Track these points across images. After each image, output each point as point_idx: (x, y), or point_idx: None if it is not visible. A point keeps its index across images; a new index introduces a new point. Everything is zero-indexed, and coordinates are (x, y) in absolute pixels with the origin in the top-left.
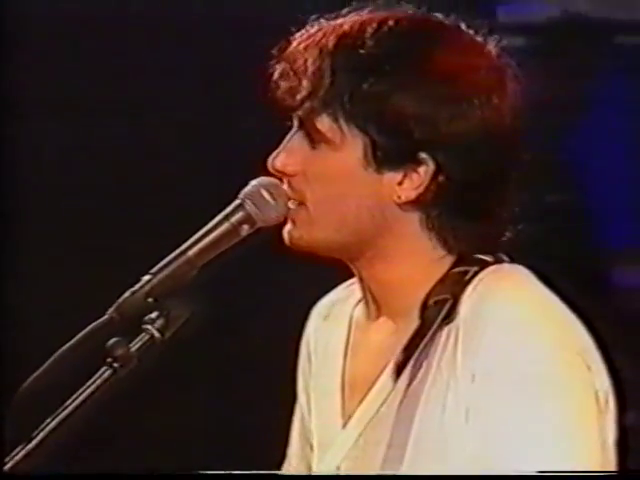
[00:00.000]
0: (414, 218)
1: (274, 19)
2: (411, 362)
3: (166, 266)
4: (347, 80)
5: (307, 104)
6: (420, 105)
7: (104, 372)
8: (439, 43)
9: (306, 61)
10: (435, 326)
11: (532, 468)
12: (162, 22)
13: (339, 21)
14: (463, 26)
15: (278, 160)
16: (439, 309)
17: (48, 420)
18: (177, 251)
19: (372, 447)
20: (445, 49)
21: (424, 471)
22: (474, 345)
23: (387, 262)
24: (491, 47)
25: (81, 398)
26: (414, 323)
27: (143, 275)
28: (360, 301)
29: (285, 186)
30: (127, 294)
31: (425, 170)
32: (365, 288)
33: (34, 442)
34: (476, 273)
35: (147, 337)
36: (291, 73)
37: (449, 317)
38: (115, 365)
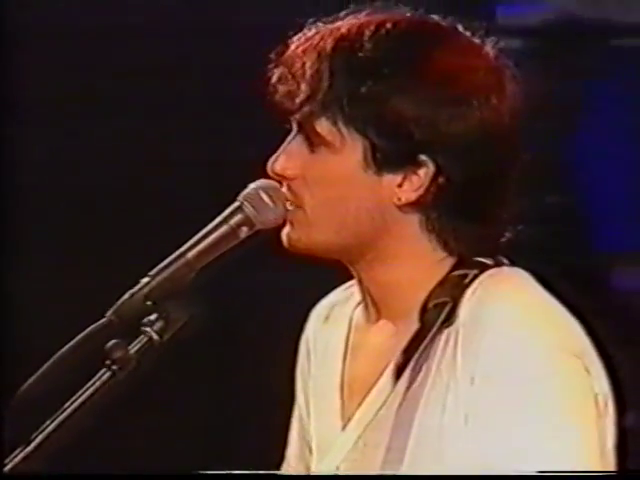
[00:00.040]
0: (414, 220)
1: (272, 22)
2: (410, 365)
3: (165, 268)
4: (346, 83)
5: (306, 108)
6: (419, 107)
7: (103, 374)
8: (437, 45)
9: (304, 64)
10: (435, 329)
11: (530, 470)
12: (162, 23)
13: (337, 24)
14: (460, 28)
15: (277, 164)
16: (439, 312)
17: (47, 422)
18: (176, 253)
19: (371, 449)
20: (443, 51)
21: (423, 473)
22: (473, 348)
23: (387, 264)
24: (489, 48)
25: (80, 400)
26: (414, 326)
27: (142, 277)
28: (360, 303)
29: (284, 189)
30: (126, 296)
31: (425, 172)
32: (364, 290)
33: (33, 444)
34: (476, 276)
35: (146, 339)
36: (289, 77)
37: (449, 320)
38: (114, 367)
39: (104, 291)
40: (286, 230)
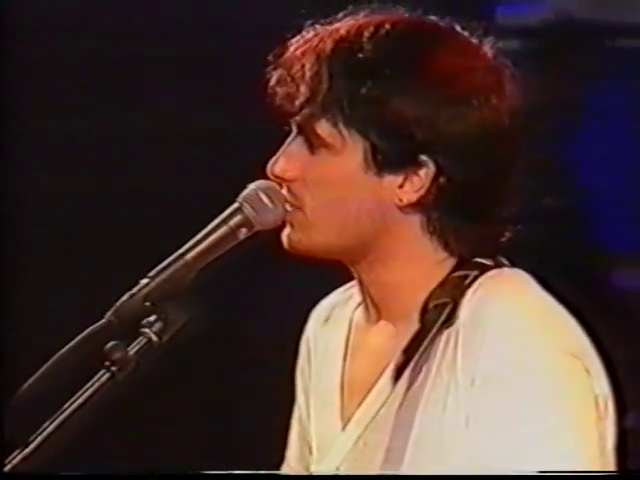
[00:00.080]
0: (415, 221)
1: (270, 24)
2: (411, 365)
3: (164, 269)
4: (345, 85)
5: (306, 110)
6: (419, 108)
7: (102, 375)
8: (436, 45)
9: (303, 66)
10: (435, 330)
11: (530, 471)
12: (162, 22)
13: (335, 25)
14: (458, 28)
15: (277, 166)
16: (439, 313)
17: (47, 423)
18: (175, 254)
19: (371, 450)
20: (443, 51)
21: (423, 474)
22: (474, 349)
23: (387, 265)
24: (487, 48)
25: (80, 401)
26: (414, 326)
27: (141, 278)
28: (360, 304)
29: (284, 191)
30: (125, 297)
31: (426, 172)
32: (365, 291)
33: (33, 444)
34: (476, 277)
35: (145, 340)
36: (288, 79)
37: (449, 321)
38: (113, 368)
39: (104, 292)
40: (286, 231)
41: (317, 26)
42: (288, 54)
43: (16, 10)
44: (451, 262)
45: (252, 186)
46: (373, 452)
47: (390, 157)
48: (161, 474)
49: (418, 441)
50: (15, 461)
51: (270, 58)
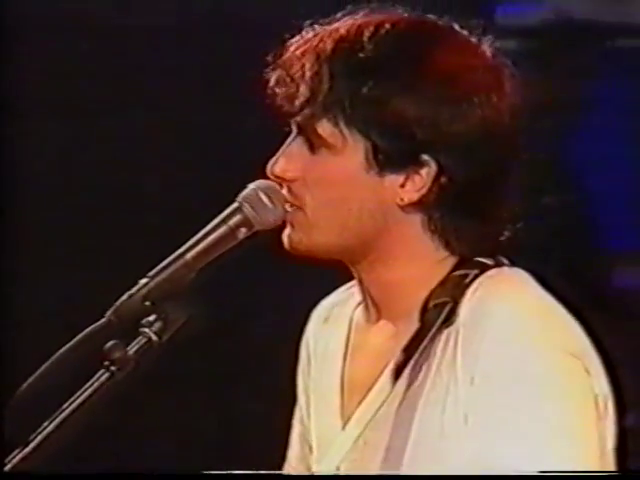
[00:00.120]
0: (416, 220)
1: (269, 24)
2: (410, 364)
3: (164, 269)
4: (346, 84)
5: (306, 110)
6: (421, 107)
7: (102, 375)
8: (437, 44)
9: (303, 66)
10: (435, 329)
11: (530, 470)
12: (162, 22)
13: (335, 25)
14: (457, 27)
15: (277, 166)
16: (439, 312)
17: (46, 423)
18: (175, 254)
19: (371, 449)
20: (443, 50)
21: (423, 473)
22: (473, 348)
23: (388, 265)
24: (486, 47)
25: (79, 401)
26: (414, 326)
27: (141, 278)
28: (360, 303)
29: (284, 191)
30: (125, 297)
31: (427, 172)
32: (365, 291)
33: (33, 444)
34: (476, 276)
35: (145, 340)
36: (288, 79)
37: (449, 320)
38: (113, 368)
39: (103, 291)
40: (287, 232)
41: (316, 26)
42: (288, 54)
43: (16, 10)
44: (451, 261)
45: (252, 186)
46: (373, 451)
47: (392, 157)
48: (161, 474)
49: (418, 440)
50: (15, 461)
51: (269, 58)
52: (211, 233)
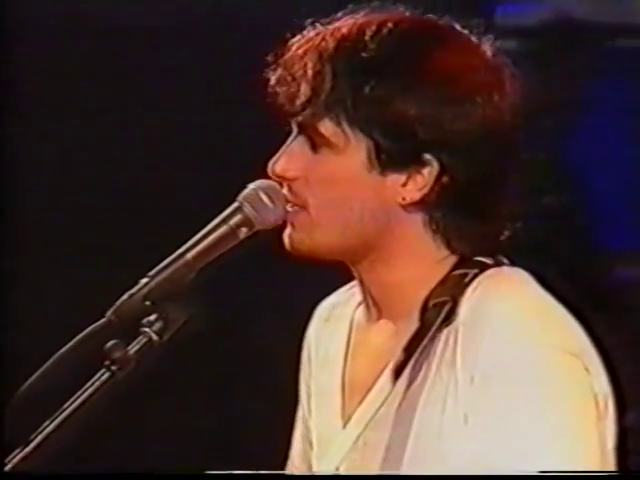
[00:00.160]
0: (417, 219)
1: (269, 23)
2: (410, 364)
3: (164, 269)
4: (349, 84)
5: (308, 109)
6: (424, 106)
7: (102, 375)
8: (439, 44)
9: (305, 65)
10: (434, 328)
11: (530, 470)
12: (161, 22)
13: (336, 24)
14: (457, 27)
15: (278, 165)
16: (438, 311)
17: (46, 422)
18: (175, 254)
19: (371, 449)
20: (445, 50)
21: (423, 472)
22: (473, 347)
23: (389, 264)
24: (486, 47)
25: (80, 400)
26: (414, 325)
27: (141, 278)
28: (361, 303)
29: (285, 191)
30: (125, 297)
31: (429, 171)
32: (365, 290)
33: (33, 444)
34: (476, 275)
35: (145, 340)
36: (289, 78)
37: (448, 319)
38: (113, 368)
39: (104, 291)
40: (288, 232)
41: (317, 25)
42: (289, 53)
43: (16, 10)
44: (452, 260)
45: (252, 185)
46: (373, 451)
47: (394, 156)
48: (161, 474)
49: (418, 440)
50: (15, 461)
51: (270, 58)
52: (212, 233)
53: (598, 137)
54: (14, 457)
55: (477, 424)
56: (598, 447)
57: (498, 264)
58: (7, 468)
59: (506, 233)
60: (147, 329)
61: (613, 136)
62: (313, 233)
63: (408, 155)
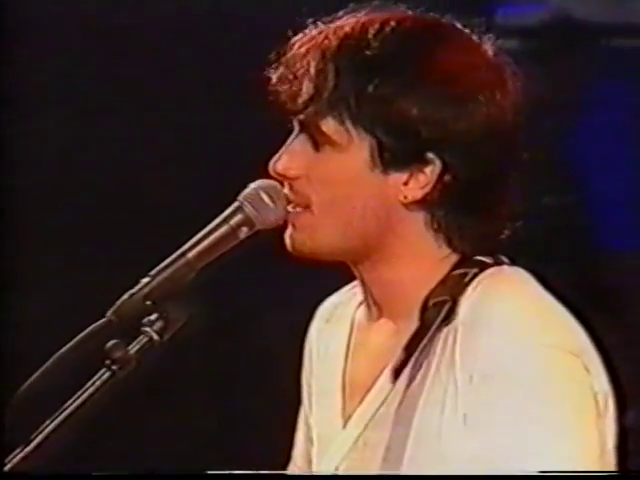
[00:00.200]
0: (419, 218)
1: (271, 22)
2: (410, 363)
3: (165, 268)
4: (352, 82)
5: (310, 107)
6: (427, 105)
7: (103, 374)
8: (442, 42)
9: (308, 64)
10: (434, 327)
11: (530, 470)
12: (162, 22)
13: (338, 23)
14: (459, 26)
15: (280, 164)
16: (438, 310)
17: (47, 422)
18: (176, 253)
19: (371, 448)
20: (448, 48)
21: (423, 472)
22: (472, 347)
23: (391, 263)
24: (487, 46)
25: (80, 400)
26: (414, 324)
27: (142, 277)
28: (362, 303)
29: (286, 189)
30: (126, 296)
31: (432, 170)
32: (366, 290)
33: (33, 444)
34: (476, 275)
35: (146, 339)
36: (291, 77)
37: (448, 318)
38: (114, 367)
39: (104, 291)
40: (289, 233)
41: (319, 24)
42: (291, 52)
43: (16, 10)
44: (453, 259)
45: (253, 185)
46: (373, 451)
47: (397, 154)
48: (161, 474)
49: (417, 439)
50: (15, 461)
51: (272, 56)
52: (212, 232)
53: (598, 137)
54: (14, 457)
55: (476, 424)
56: (598, 447)
57: (498, 263)
58: (7, 468)
59: (506, 232)
60: (148, 329)
61: (613, 136)
62: (315, 234)
63: (411, 154)
